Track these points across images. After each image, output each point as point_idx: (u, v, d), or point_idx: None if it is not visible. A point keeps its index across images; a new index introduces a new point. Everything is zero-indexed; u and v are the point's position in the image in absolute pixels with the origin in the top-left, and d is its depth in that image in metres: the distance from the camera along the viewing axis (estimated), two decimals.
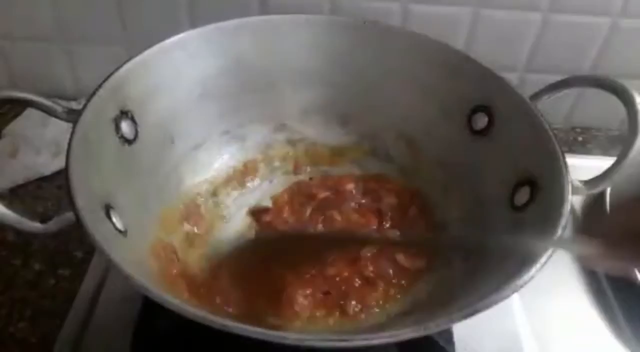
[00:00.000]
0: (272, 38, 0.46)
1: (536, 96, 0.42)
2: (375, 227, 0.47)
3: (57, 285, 0.47)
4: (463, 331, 0.41)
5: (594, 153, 0.65)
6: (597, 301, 0.48)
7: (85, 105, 0.36)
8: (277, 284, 0.41)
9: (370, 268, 0.42)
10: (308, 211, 0.48)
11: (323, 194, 0.49)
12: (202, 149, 0.47)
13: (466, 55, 0.44)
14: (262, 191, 0.50)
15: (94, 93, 0.37)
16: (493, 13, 0.58)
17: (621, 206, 0.31)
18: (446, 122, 0.46)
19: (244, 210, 0.48)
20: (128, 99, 0.39)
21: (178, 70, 0.43)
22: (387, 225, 0.47)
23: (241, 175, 0.49)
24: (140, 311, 0.41)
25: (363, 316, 0.41)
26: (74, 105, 0.36)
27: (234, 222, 0.47)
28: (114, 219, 0.35)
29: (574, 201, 0.36)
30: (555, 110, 0.66)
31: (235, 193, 0.49)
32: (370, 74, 0.48)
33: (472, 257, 0.40)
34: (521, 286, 0.29)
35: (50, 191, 0.55)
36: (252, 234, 0.47)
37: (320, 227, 0.46)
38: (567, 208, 0.34)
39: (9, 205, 0.33)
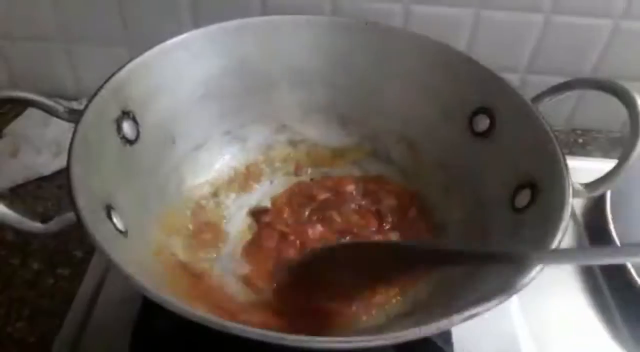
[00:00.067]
0: (273, 39, 0.46)
1: (538, 98, 0.42)
2: (374, 228, 0.47)
3: (56, 285, 0.46)
4: (461, 331, 0.41)
5: (594, 155, 0.65)
6: (595, 301, 0.48)
7: (86, 106, 0.36)
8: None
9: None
10: (307, 212, 0.48)
11: (323, 196, 0.49)
12: (203, 149, 0.47)
13: (467, 56, 0.44)
14: (262, 191, 0.49)
15: (95, 93, 0.37)
16: (494, 14, 0.58)
17: None
18: (447, 123, 0.46)
19: (244, 210, 0.48)
20: (130, 100, 0.39)
21: (179, 70, 0.43)
22: (387, 227, 0.47)
23: (244, 178, 0.49)
24: (139, 312, 0.41)
25: (364, 317, 0.41)
26: (75, 105, 0.36)
27: (234, 223, 0.47)
28: (114, 220, 0.35)
29: (575, 203, 0.36)
30: (556, 112, 0.66)
31: (235, 194, 0.49)
32: (371, 75, 0.48)
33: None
34: (521, 288, 0.29)
35: (50, 191, 0.55)
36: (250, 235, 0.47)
37: (319, 227, 0.46)
38: (567, 211, 0.34)
39: (10, 205, 0.33)
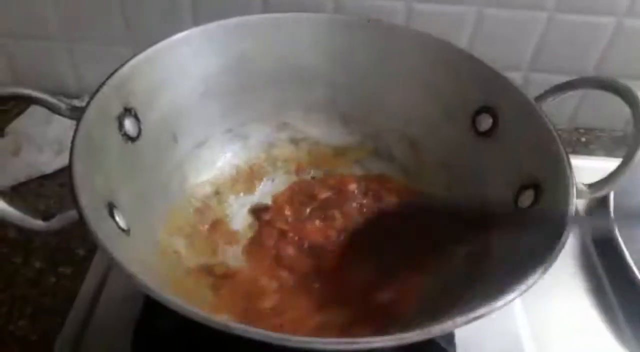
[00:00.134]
0: (274, 36, 0.46)
1: (540, 98, 0.41)
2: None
3: (58, 283, 0.46)
4: (464, 332, 0.40)
5: (597, 154, 0.65)
6: (598, 302, 0.48)
7: (88, 103, 0.36)
8: None
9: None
10: (308, 210, 0.48)
11: (324, 194, 0.48)
12: (205, 147, 0.47)
13: (470, 54, 0.44)
14: (264, 190, 0.49)
15: (97, 90, 0.37)
16: (497, 12, 0.58)
17: None
18: (450, 122, 0.46)
19: (246, 208, 0.48)
20: (131, 96, 0.39)
21: (181, 67, 0.43)
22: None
23: (247, 178, 0.49)
24: (141, 310, 0.41)
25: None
26: (77, 103, 0.36)
27: (237, 221, 0.47)
28: (117, 218, 0.35)
29: (578, 202, 0.35)
30: (559, 111, 0.65)
31: (238, 193, 0.48)
32: (373, 73, 0.48)
33: (476, 262, 0.40)
34: (526, 290, 0.29)
35: (52, 189, 0.54)
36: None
37: (319, 225, 0.46)
38: (571, 212, 0.34)
39: (11, 202, 0.33)
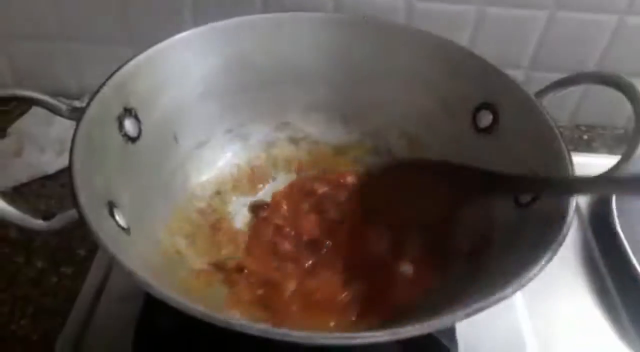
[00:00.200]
0: (273, 36, 0.46)
1: (541, 93, 0.41)
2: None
3: (59, 283, 0.47)
4: (465, 329, 0.41)
5: (599, 152, 0.64)
6: (601, 300, 0.48)
7: (88, 103, 0.36)
8: None
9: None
10: (306, 205, 0.48)
11: (322, 189, 0.48)
12: (206, 147, 0.47)
13: (470, 51, 0.44)
14: (265, 189, 0.50)
15: (97, 91, 0.37)
16: (498, 10, 0.58)
17: None
18: (450, 119, 0.46)
19: (247, 207, 0.48)
20: (132, 97, 0.39)
21: (181, 68, 0.43)
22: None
23: (249, 180, 0.49)
24: (142, 309, 0.41)
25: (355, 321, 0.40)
26: (77, 104, 0.36)
27: (239, 219, 0.47)
28: (117, 217, 0.35)
29: (580, 199, 0.35)
30: (561, 108, 0.65)
31: (240, 194, 0.49)
32: (372, 72, 0.48)
33: (476, 257, 0.40)
34: (525, 284, 0.29)
35: (53, 190, 0.55)
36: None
37: (315, 219, 0.47)
38: (572, 207, 0.33)
39: (12, 202, 0.33)
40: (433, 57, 0.45)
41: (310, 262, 0.43)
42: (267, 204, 0.48)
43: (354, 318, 0.40)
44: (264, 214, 0.47)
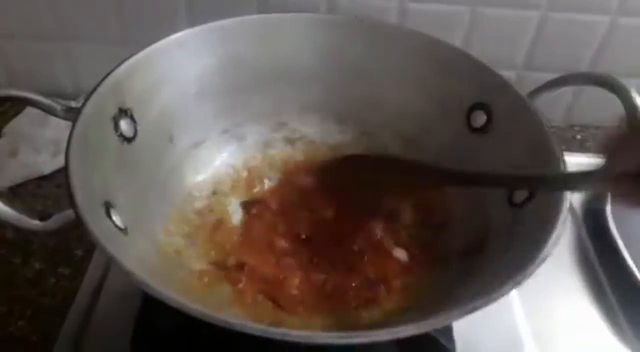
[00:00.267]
0: (268, 37, 0.47)
1: (535, 93, 0.42)
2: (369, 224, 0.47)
3: (57, 283, 0.47)
4: (463, 328, 0.41)
5: (592, 151, 0.65)
6: (597, 298, 0.48)
7: (84, 104, 0.36)
8: None
9: (371, 269, 0.43)
10: (297, 202, 0.48)
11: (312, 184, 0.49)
12: (202, 147, 0.47)
13: (463, 51, 0.45)
14: (261, 189, 0.50)
15: (92, 91, 0.37)
16: (491, 11, 0.58)
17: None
18: (444, 119, 0.46)
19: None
20: (127, 97, 0.40)
21: (176, 68, 0.43)
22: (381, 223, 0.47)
23: (246, 182, 0.49)
24: (140, 308, 0.41)
25: (364, 313, 0.41)
26: (74, 104, 0.36)
27: (236, 217, 0.47)
28: (113, 217, 0.35)
29: (573, 198, 0.36)
30: (554, 108, 0.66)
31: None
32: (366, 72, 0.48)
33: (471, 257, 0.40)
34: (521, 283, 0.29)
35: (49, 190, 0.55)
36: None
37: (305, 212, 0.47)
38: (565, 205, 0.34)
39: (9, 203, 0.33)
40: (427, 58, 0.46)
41: (307, 256, 0.44)
42: (258, 201, 0.48)
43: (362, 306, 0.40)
44: (254, 210, 0.47)
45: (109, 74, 0.38)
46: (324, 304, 0.40)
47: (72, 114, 0.36)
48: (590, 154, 0.63)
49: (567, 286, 0.49)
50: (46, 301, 0.45)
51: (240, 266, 0.42)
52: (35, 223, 0.34)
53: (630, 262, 0.47)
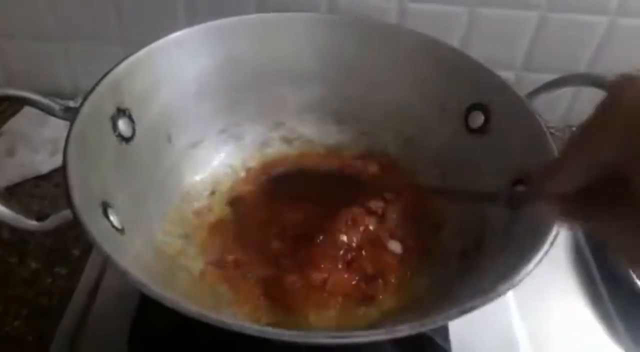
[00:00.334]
0: (267, 36, 0.47)
1: (533, 94, 0.42)
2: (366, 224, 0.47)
3: (53, 283, 0.46)
4: (459, 328, 0.41)
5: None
6: (593, 301, 0.48)
7: (82, 103, 0.36)
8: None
9: (368, 264, 0.43)
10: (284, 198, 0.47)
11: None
12: (200, 147, 0.48)
13: (462, 52, 0.45)
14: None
15: (91, 91, 0.37)
16: (490, 11, 0.58)
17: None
18: (442, 120, 0.46)
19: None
20: (125, 97, 0.40)
21: (175, 68, 0.43)
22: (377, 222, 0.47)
23: (243, 180, 0.49)
24: (137, 309, 0.41)
25: (362, 312, 0.41)
26: (72, 104, 0.36)
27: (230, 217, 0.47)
28: (111, 217, 0.35)
29: None
30: (552, 109, 0.66)
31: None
32: (365, 72, 0.48)
33: (468, 256, 0.40)
34: (517, 283, 0.29)
35: (47, 190, 0.54)
36: None
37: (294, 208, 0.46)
38: None
39: (5, 203, 0.33)
40: (425, 58, 0.46)
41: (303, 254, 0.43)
42: (244, 196, 0.47)
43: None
44: (242, 209, 0.46)
45: (107, 73, 0.38)
46: (322, 303, 0.40)
47: (70, 114, 0.35)
48: None
49: (562, 287, 0.49)
50: (43, 300, 0.45)
51: (238, 266, 0.42)
52: (32, 223, 0.34)
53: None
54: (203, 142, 0.48)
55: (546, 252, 0.31)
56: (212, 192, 0.47)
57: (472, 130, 0.44)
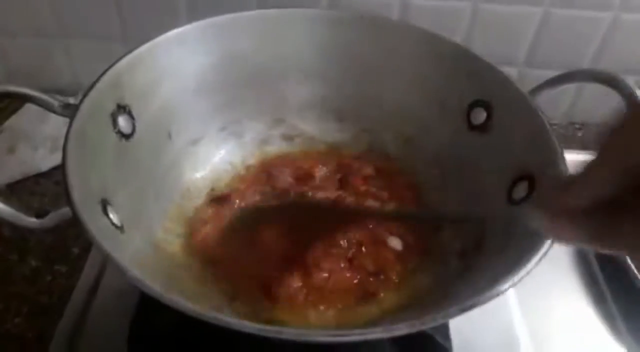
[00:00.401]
0: (267, 33, 0.46)
1: (536, 91, 0.41)
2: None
3: (53, 281, 0.46)
4: (460, 326, 0.41)
5: (592, 148, 0.64)
6: (595, 299, 0.48)
7: (82, 100, 0.36)
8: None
9: (369, 261, 0.42)
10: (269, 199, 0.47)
11: (287, 180, 0.48)
12: (200, 144, 0.47)
13: (465, 48, 0.44)
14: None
15: (90, 87, 0.37)
16: (493, 7, 0.58)
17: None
18: (444, 116, 0.46)
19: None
20: (125, 93, 0.39)
21: (175, 64, 0.43)
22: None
23: (243, 178, 0.49)
24: (137, 306, 0.41)
25: (362, 311, 0.40)
26: (72, 101, 0.36)
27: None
28: (110, 215, 0.35)
29: None
30: (555, 105, 0.65)
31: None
32: (366, 69, 0.48)
33: (468, 256, 0.40)
34: (517, 281, 0.29)
35: (47, 187, 0.55)
36: None
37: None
38: None
39: (5, 200, 0.33)
40: (427, 54, 0.45)
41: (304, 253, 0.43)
42: (229, 195, 0.46)
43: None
44: (227, 206, 0.45)
45: (107, 69, 0.38)
46: (323, 302, 0.40)
47: (70, 110, 0.35)
48: (591, 152, 0.63)
49: (564, 285, 0.49)
50: (43, 298, 0.45)
51: (238, 264, 0.42)
52: (31, 221, 0.34)
53: (628, 261, 0.46)
54: (203, 139, 0.47)
55: (546, 252, 0.30)
56: (212, 190, 0.47)
57: (473, 128, 0.44)
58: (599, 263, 0.50)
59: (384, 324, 0.27)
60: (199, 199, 0.46)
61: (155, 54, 0.42)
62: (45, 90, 0.36)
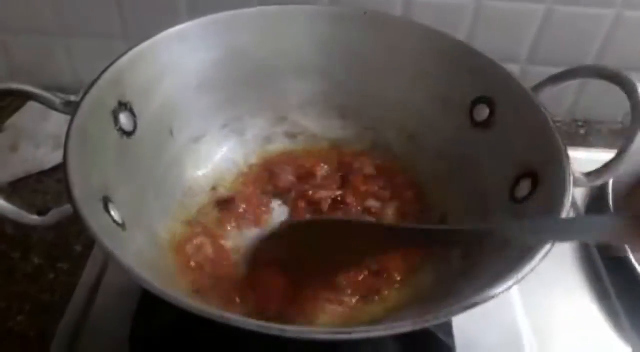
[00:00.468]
0: (269, 29, 0.46)
1: (539, 87, 0.41)
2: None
3: (56, 279, 0.46)
4: (463, 323, 0.41)
5: (596, 146, 0.64)
6: (599, 296, 0.48)
7: (83, 97, 0.36)
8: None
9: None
10: (271, 201, 0.47)
11: (288, 179, 0.48)
12: (202, 142, 0.47)
13: (467, 45, 0.44)
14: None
15: (92, 84, 0.37)
16: (496, 4, 0.58)
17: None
18: (447, 113, 0.46)
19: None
20: (127, 91, 0.39)
21: (177, 61, 0.43)
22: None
23: (245, 176, 0.49)
24: (139, 305, 0.41)
25: (364, 308, 0.40)
26: (73, 98, 0.36)
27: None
28: (112, 212, 0.35)
29: (576, 193, 0.35)
30: (558, 102, 0.65)
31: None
32: (369, 66, 0.48)
33: (471, 255, 0.40)
34: (521, 279, 0.29)
35: (50, 185, 0.55)
36: None
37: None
38: (568, 200, 0.33)
39: (8, 198, 0.33)
40: (430, 51, 0.45)
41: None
42: (233, 198, 0.46)
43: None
44: (231, 208, 0.45)
45: (109, 67, 0.38)
46: (328, 300, 0.40)
47: (71, 108, 0.35)
48: (594, 149, 0.63)
49: (568, 283, 0.49)
50: (45, 296, 0.45)
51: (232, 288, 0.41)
52: (33, 218, 0.34)
53: (632, 258, 0.46)
54: (205, 137, 0.47)
55: (549, 250, 0.30)
56: (214, 188, 0.47)
57: (476, 124, 0.43)
58: (603, 260, 0.50)
59: (387, 322, 0.27)
60: (202, 198, 0.46)
61: (156, 51, 0.42)
62: (47, 88, 0.36)
